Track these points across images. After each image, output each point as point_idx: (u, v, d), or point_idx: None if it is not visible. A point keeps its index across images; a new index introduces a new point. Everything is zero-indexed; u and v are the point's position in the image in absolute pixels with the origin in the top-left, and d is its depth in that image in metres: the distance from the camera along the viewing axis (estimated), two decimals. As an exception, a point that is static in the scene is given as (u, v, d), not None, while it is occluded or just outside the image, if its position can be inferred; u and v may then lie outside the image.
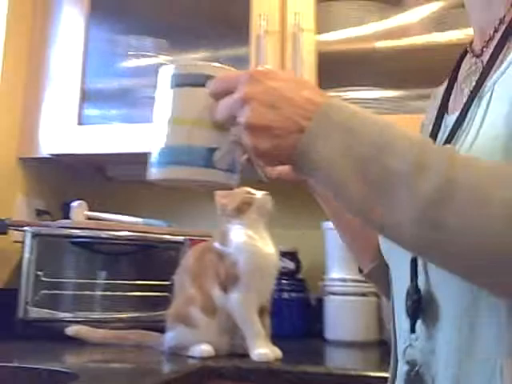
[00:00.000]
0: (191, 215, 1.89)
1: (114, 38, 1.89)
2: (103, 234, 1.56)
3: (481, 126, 0.61)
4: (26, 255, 1.49)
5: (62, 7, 1.81)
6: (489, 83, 0.64)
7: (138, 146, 1.56)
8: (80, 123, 1.71)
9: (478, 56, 0.72)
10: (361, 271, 0.92)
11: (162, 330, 1.32)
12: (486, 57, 0.69)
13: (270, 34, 1.64)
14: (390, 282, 0.78)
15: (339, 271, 1.58)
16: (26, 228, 1.51)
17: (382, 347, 1.46)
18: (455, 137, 0.65)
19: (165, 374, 1.14)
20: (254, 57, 1.65)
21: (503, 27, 0.68)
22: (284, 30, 1.65)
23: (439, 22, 1.64)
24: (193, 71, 0.69)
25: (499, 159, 0.56)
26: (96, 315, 1.52)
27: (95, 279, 1.55)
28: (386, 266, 0.79)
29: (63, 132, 1.72)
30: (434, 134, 0.73)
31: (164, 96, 0.69)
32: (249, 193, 1.31)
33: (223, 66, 0.69)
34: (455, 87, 0.77)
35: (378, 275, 0.86)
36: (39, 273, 1.48)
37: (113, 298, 1.55)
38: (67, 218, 1.65)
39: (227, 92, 0.62)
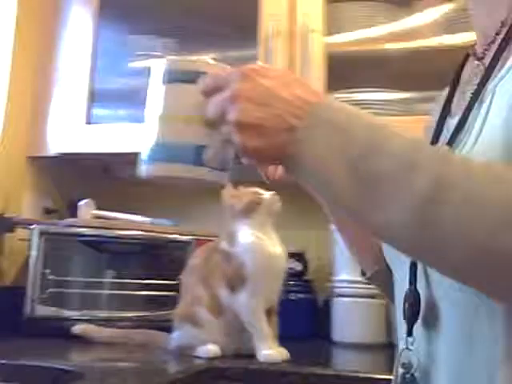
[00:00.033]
0: (198, 215, 1.89)
1: (123, 37, 1.89)
2: (110, 233, 1.56)
3: (481, 130, 0.60)
4: (33, 253, 1.49)
5: (70, 7, 1.82)
6: (490, 86, 0.63)
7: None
8: (88, 122, 1.72)
9: (479, 59, 0.72)
10: (364, 274, 0.91)
11: (168, 330, 1.31)
12: (487, 60, 0.69)
13: (278, 34, 1.64)
14: (393, 284, 0.77)
15: (347, 273, 1.57)
16: (33, 226, 1.51)
17: (390, 349, 1.45)
18: (456, 140, 0.65)
19: (171, 373, 1.14)
20: (262, 58, 1.65)
21: (505, 30, 0.68)
22: (293, 31, 1.65)
23: (450, 24, 1.63)
24: (185, 68, 0.68)
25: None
26: (102, 314, 1.52)
27: (102, 278, 1.55)
28: (389, 269, 0.78)
29: (71, 131, 1.72)
30: (435, 138, 0.72)
31: (156, 92, 0.69)
32: (256, 193, 1.30)
33: (217, 62, 0.69)
34: (458, 90, 0.76)
35: (381, 278, 0.86)
36: (46, 271, 1.48)
37: (119, 297, 1.55)
38: (75, 216, 1.65)
39: (218, 89, 0.61)
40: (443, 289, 0.62)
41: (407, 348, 0.66)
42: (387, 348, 1.48)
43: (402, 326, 0.69)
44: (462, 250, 0.49)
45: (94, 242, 1.56)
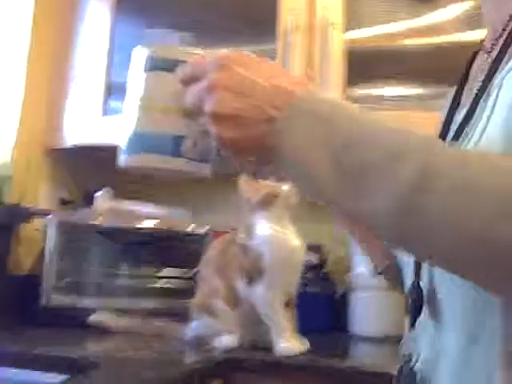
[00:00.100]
0: (215, 206, 1.88)
1: (139, 31, 1.89)
2: (126, 224, 1.56)
3: (487, 123, 0.58)
4: (49, 243, 1.49)
5: (88, 1, 1.82)
6: (497, 80, 0.61)
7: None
8: (105, 114, 1.72)
9: (488, 53, 0.71)
10: (375, 269, 0.90)
11: (184, 320, 1.31)
12: (495, 53, 0.67)
13: (297, 29, 1.63)
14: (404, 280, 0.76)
15: (366, 265, 1.55)
16: (49, 216, 1.51)
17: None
18: (462, 134, 0.63)
19: (188, 364, 1.14)
20: (280, 53, 1.64)
21: None
22: (312, 25, 1.64)
23: (471, 20, 1.62)
24: (165, 55, 0.66)
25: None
26: (119, 304, 1.51)
27: (118, 268, 1.55)
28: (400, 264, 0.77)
29: (88, 123, 1.72)
30: (444, 133, 0.71)
31: (136, 79, 0.67)
32: (274, 186, 1.29)
33: (198, 50, 0.66)
34: (466, 86, 0.75)
35: (392, 273, 0.85)
36: (62, 261, 1.48)
37: (135, 287, 1.54)
38: (91, 207, 1.64)
39: (196, 79, 0.59)
40: (445, 283, 0.61)
41: (409, 341, 0.66)
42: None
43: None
44: (449, 240, 0.47)
45: (110, 233, 1.55)
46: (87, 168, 1.92)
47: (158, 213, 1.65)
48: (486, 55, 0.71)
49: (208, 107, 0.56)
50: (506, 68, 0.61)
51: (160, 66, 0.65)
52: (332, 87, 1.62)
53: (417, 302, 0.64)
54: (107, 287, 1.53)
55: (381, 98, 1.65)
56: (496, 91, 0.59)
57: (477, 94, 0.63)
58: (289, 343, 1.20)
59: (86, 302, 1.49)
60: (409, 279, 0.70)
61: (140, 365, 1.08)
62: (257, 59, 0.59)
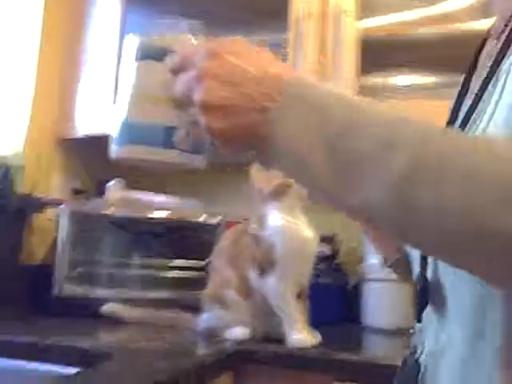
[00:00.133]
0: (227, 196, 1.88)
1: (150, 20, 1.88)
2: (138, 214, 1.56)
3: (495, 109, 0.57)
4: (61, 233, 1.49)
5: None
6: (505, 66, 0.60)
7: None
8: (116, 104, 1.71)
9: (496, 39, 0.69)
10: (385, 262, 0.89)
11: (197, 311, 1.30)
12: (503, 39, 0.66)
13: (310, 17, 1.61)
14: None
15: (378, 256, 1.55)
16: (61, 206, 1.52)
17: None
18: (470, 121, 0.62)
19: (200, 356, 1.13)
20: (293, 41, 1.63)
21: None
22: (325, 12, 1.62)
23: (486, 8, 1.59)
24: (155, 44, 0.65)
25: None
26: (131, 294, 1.52)
27: (130, 258, 1.55)
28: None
29: (100, 112, 1.72)
30: (452, 120, 0.69)
31: (127, 69, 0.66)
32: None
33: (191, 38, 0.66)
34: (475, 74, 0.74)
35: (402, 267, 0.84)
36: (74, 251, 1.48)
37: (148, 278, 1.54)
38: (103, 197, 1.64)
39: (185, 67, 0.58)
40: (448, 276, 0.60)
41: (415, 333, 0.66)
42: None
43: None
44: (448, 230, 0.46)
45: (122, 223, 1.55)
46: (99, 158, 1.90)
47: (170, 203, 1.65)
48: (494, 41, 0.70)
49: (196, 96, 0.55)
50: None
51: (150, 55, 0.64)
52: (345, 76, 1.60)
53: (422, 295, 0.63)
54: (119, 277, 1.53)
55: (394, 87, 1.63)
56: (504, 76, 0.58)
57: (485, 80, 0.62)
58: (301, 335, 1.19)
59: (99, 292, 1.49)
60: (415, 271, 0.69)
61: (152, 355, 1.08)
62: (248, 47, 0.58)
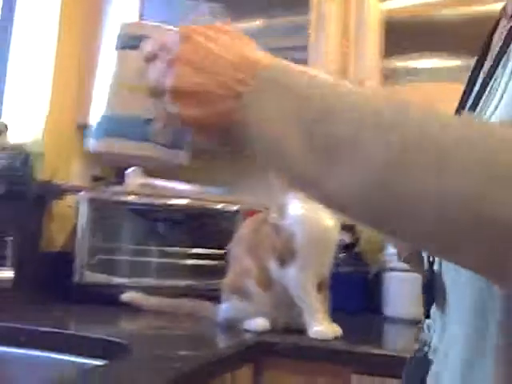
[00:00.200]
0: (247, 184, 1.86)
1: (170, 3, 1.86)
2: (157, 201, 1.55)
3: (505, 90, 0.54)
4: (81, 220, 1.49)
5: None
6: None
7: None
8: (135, 89, 1.70)
9: (509, 18, 0.66)
10: (399, 256, 0.88)
11: (216, 300, 1.30)
12: None
13: (332, -2, 1.59)
14: None
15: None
16: (81, 193, 1.52)
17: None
18: (480, 103, 0.59)
19: (219, 348, 1.13)
20: (314, 24, 1.60)
21: None
22: (348, -6, 1.59)
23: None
24: (132, 32, 0.62)
25: None
26: (151, 282, 1.52)
27: (149, 246, 1.55)
28: None
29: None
30: (463, 102, 0.66)
31: (108, 59, 0.63)
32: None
33: (165, 26, 0.62)
34: (489, 54, 0.70)
35: (416, 261, 0.82)
36: (94, 238, 1.49)
37: (168, 265, 1.54)
38: (122, 184, 1.64)
39: (159, 54, 0.55)
40: (450, 273, 0.58)
41: (423, 328, 0.65)
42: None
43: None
44: (434, 220, 0.43)
45: (142, 210, 1.55)
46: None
47: (189, 190, 1.64)
48: (506, 21, 0.67)
49: (168, 83, 0.52)
50: None
51: (129, 43, 0.61)
52: (368, 58, 1.57)
53: (428, 290, 0.62)
54: (140, 265, 1.53)
55: (417, 70, 1.60)
56: None
57: (495, 59, 0.59)
58: (322, 327, 1.18)
59: (119, 279, 1.49)
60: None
61: (172, 345, 1.08)
62: (224, 30, 0.55)
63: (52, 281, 1.48)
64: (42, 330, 1.12)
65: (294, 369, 1.14)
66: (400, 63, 1.60)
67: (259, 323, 1.21)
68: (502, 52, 0.59)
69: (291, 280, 1.21)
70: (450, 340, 0.58)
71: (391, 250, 1.55)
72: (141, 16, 1.74)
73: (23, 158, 1.50)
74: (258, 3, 1.76)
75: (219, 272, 1.34)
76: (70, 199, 1.59)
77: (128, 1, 1.76)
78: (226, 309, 1.27)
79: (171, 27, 0.60)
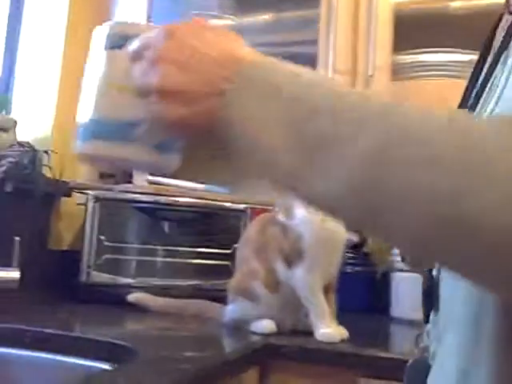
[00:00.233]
0: (247, 184, 1.85)
1: (178, 3, 1.85)
2: (165, 200, 1.55)
3: (505, 85, 0.52)
4: (89, 218, 1.49)
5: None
6: None
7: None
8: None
9: (510, 13, 0.64)
10: (403, 259, 0.86)
11: (223, 300, 1.29)
12: None
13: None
14: None
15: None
16: (88, 191, 1.51)
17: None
18: (481, 99, 0.58)
19: (226, 351, 1.12)
20: (324, 17, 1.58)
21: None
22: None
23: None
24: (119, 32, 0.60)
25: None
26: (157, 282, 1.51)
27: (157, 245, 1.54)
28: None
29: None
30: (465, 99, 0.64)
31: (93, 59, 0.61)
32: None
33: (152, 25, 0.61)
34: (491, 52, 0.68)
35: (420, 264, 0.81)
36: (101, 237, 1.48)
37: (174, 265, 1.54)
38: (130, 182, 1.64)
39: (144, 53, 0.54)
40: (445, 279, 0.57)
41: (422, 333, 0.65)
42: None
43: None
44: (422, 222, 0.41)
45: (149, 209, 1.54)
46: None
47: (196, 188, 1.63)
48: (508, 15, 0.65)
49: (153, 82, 0.51)
50: None
51: (118, 43, 0.59)
52: (378, 53, 1.55)
53: (427, 295, 0.61)
54: (146, 265, 1.52)
55: (428, 64, 1.58)
56: None
57: (496, 54, 0.58)
58: (329, 329, 1.17)
59: (126, 279, 1.49)
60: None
61: (177, 347, 1.07)
62: (209, 27, 0.54)
63: (59, 280, 1.48)
64: (47, 332, 1.11)
65: (301, 372, 1.13)
66: (410, 57, 1.58)
67: (266, 325, 1.20)
68: (502, 47, 0.58)
69: (298, 281, 1.20)
70: (445, 348, 0.57)
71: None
72: (148, 17, 1.73)
73: (31, 155, 1.50)
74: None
75: (226, 272, 1.34)
76: (77, 197, 1.59)
77: (136, 2, 1.74)
78: (232, 310, 1.26)
79: (158, 26, 0.58)
